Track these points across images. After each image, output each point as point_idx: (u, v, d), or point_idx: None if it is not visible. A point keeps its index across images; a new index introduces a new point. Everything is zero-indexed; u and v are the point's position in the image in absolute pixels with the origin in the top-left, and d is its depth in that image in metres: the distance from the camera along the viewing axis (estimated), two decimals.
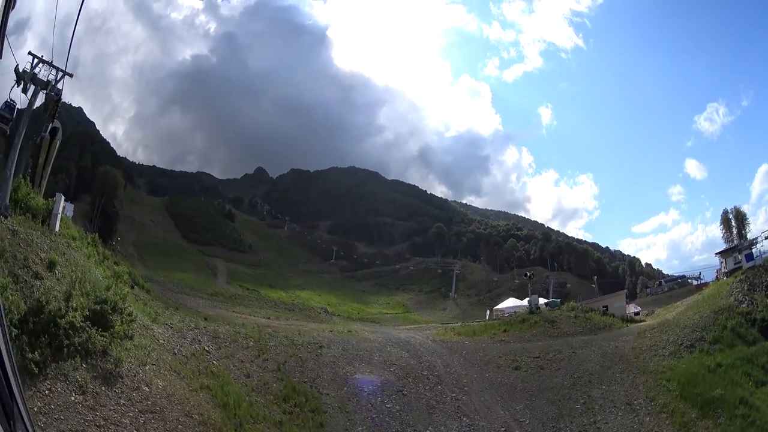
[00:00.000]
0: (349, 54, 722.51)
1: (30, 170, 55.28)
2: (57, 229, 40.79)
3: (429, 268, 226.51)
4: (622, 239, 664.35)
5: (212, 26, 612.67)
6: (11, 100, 43.39)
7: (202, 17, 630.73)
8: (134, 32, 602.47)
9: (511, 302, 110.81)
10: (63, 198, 46.72)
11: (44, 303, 25.62)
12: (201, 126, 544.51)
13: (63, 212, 46.55)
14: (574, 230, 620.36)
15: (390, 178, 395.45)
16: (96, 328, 27.25)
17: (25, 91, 44.65)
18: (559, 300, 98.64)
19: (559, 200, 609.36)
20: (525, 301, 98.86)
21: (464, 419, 46.60)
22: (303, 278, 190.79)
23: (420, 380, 52.20)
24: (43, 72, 50.04)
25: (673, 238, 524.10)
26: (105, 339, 27.47)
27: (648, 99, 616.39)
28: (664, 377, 51.42)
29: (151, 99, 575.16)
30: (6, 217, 34.44)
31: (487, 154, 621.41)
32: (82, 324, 26.45)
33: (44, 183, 58.35)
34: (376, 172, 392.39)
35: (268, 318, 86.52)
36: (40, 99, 48.15)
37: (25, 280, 28.19)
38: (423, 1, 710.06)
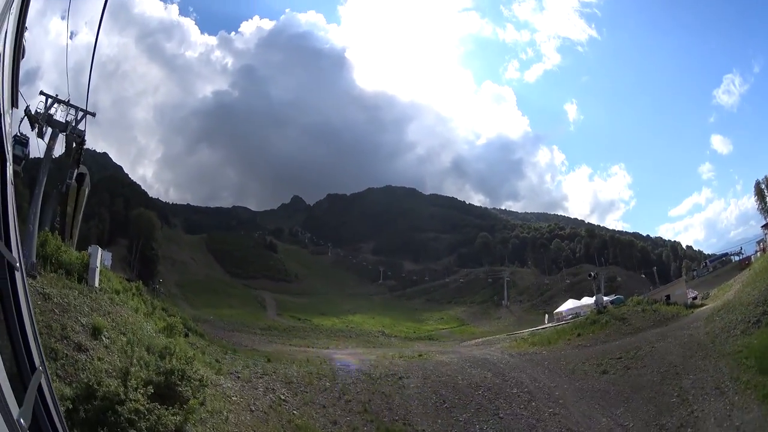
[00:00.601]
0: (370, 74, 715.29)
1: (58, 220, 52.41)
2: (97, 284, 35.90)
3: (478, 278, 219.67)
4: (660, 225, 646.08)
5: (229, 61, 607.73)
6: (21, 134, 36.72)
7: (218, 53, 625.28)
8: (150, 74, 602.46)
9: (570, 304, 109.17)
10: (99, 249, 40.05)
11: (95, 385, 20.97)
12: (231, 161, 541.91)
13: (101, 263, 39.94)
14: (613, 222, 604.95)
15: (427, 192, 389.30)
16: (164, 405, 22.67)
17: (41, 135, 40.16)
18: (622, 296, 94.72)
19: (594, 194, 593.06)
20: (584, 302, 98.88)
21: None
22: (353, 302, 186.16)
23: (512, 399, 49.82)
24: (59, 113, 45.40)
25: (708, 217, 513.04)
26: (177, 417, 22.72)
27: (666, 80, 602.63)
28: (741, 356, 50.32)
29: (177, 138, 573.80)
30: (34, 278, 28.88)
31: (519, 157, 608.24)
32: (147, 405, 21.59)
33: (76, 233, 56.82)
34: (413, 188, 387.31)
35: (328, 348, 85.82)
36: (60, 144, 42.44)
37: (66, 355, 23.45)
38: (436, 13, 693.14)
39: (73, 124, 44.43)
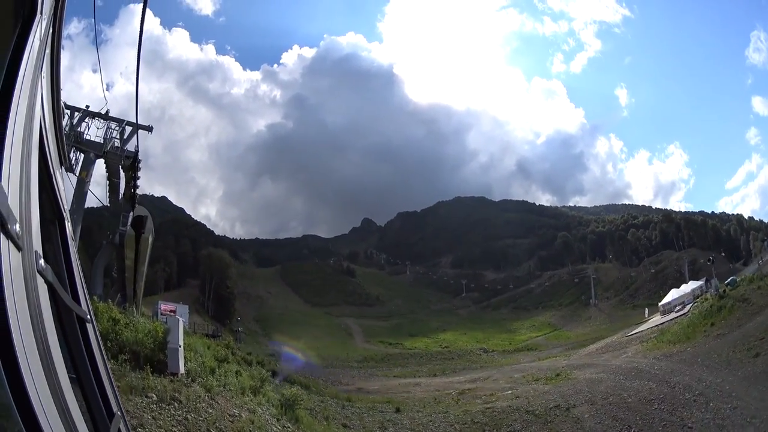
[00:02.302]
0: (421, 86, 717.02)
1: (116, 275, 53.23)
2: (182, 369, 24.07)
3: (562, 279, 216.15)
4: (719, 199, 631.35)
5: (277, 93, 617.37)
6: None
7: (264, 87, 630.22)
8: (199, 116, 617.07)
9: (674, 293, 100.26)
10: (181, 319, 27.78)
11: None
12: (296, 191, 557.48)
13: (183, 331, 27.50)
14: (677, 204, 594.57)
15: (496, 199, 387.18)
16: None
17: (69, 167, 31.77)
18: (735, 277, 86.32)
19: (656, 177, 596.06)
20: (683, 290, 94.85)
21: None
22: (439, 319, 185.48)
23: (689, 406, 42.88)
24: (92, 131, 38.56)
25: (761, 184, 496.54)
26: None
27: (700, 47, 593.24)
28: None
29: (237, 175, 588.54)
30: None
31: (580, 150, 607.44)
32: None
33: (140, 290, 53.15)
34: (482, 196, 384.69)
35: (436, 376, 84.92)
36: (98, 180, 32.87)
37: None
38: (475, 14, 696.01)
39: (116, 143, 35.57)
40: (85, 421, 3.11)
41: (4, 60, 2.36)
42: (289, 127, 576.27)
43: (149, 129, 44.59)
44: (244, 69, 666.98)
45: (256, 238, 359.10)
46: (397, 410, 50.61)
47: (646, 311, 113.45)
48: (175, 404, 18.78)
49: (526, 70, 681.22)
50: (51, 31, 3.44)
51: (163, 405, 18.04)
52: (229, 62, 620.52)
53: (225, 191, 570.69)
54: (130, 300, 55.83)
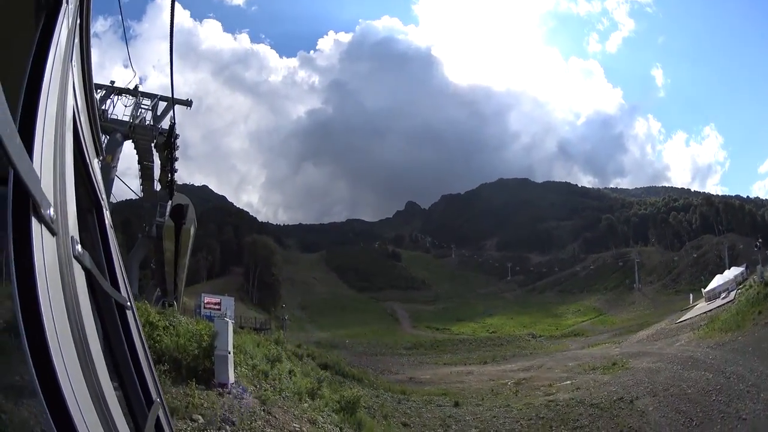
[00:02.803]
0: (460, 68, 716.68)
1: (154, 267, 52.42)
2: (232, 379, 20.85)
3: (606, 263, 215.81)
4: (753, 183, 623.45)
5: (315, 79, 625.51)
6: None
7: (302, 73, 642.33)
8: (237, 104, 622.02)
9: (719, 279, 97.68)
10: (230, 322, 24.59)
11: None
12: (339, 175, 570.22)
13: (232, 333, 23.76)
14: (713, 187, 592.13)
15: (538, 180, 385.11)
16: None
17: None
18: None
19: (693, 160, 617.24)
20: (727, 276, 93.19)
21: None
22: (486, 303, 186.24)
23: (743, 397, 41.90)
24: (119, 109, 35.71)
25: None
26: None
27: (735, 26, 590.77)
28: None
29: (280, 161, 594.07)
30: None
31: (619, 131, 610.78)
32: None
33: (181, 285, 54.72)
34: (525, 178, 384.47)
35: (486, 363, 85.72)
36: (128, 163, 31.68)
37: None
38: None
39: (148, 119, 34.88)
40: (122, 409, 3.18)
41: (31, 48, 2.46)
42: (329, 113, 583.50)
43: (188, 104, 39.87)
44: (281, 56, 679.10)
45: (300, 223, 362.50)
46: (456, 404, 49.11)
47: (691, 297, 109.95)
48: (227, 427, 16.12)
49: (563, 50, 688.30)
50: (78, 21, 3.44)
51: (213, 430, 15.31)
52: (264, 50, 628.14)
53: (267, 178, 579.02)
54: (170, 294, 56.26)
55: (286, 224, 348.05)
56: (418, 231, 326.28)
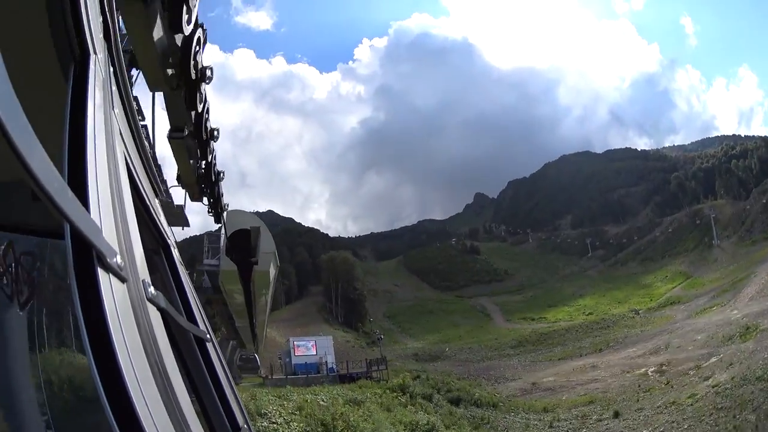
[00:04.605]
0: (499, 52, 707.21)
1: (218, 320, 45.10)
2: None
3: (683, 224, 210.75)
4: None
5: (360, 89, 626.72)
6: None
7: (346, 85, 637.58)
8: (287, 127, 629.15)
9: None
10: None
11: None
12: (403, 179, 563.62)
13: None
14: (758, 128, 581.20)
15: (599, 151, 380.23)
16: None
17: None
18: None
19: (736, 104, 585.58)
20: None
21: None
22: (572, 284, 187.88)
23: None
24: None
25: None
26: None
27: None
28: None
29: (341, 175, 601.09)
30: None
31: (664, 87, 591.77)
32: None
33: (262, 333, 50.96)
34: (586, 150, 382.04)
35: (600, 351, 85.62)
36: None
37: None
38: None
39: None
40: None
41: (65, 103, 2.43)
42: (381, 119, 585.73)
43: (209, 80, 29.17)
44: (321, 72, 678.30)
45: (371, 232, 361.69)
46: (616, 414, 46.03)
47: None
48: None
49: (593, 14, 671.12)
50: (111, 69, 3.43)
51: None
52: (303, 69, 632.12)
53: (331, 192, 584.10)
54: (247, 344, 55.03)
55: (357, 235, 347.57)
56: (490, 221, 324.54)
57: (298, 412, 36.76)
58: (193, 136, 8.11)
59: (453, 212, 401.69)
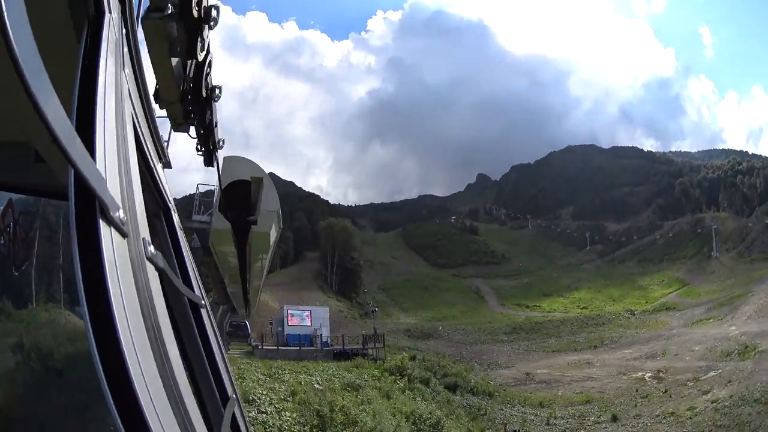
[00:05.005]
0: (514, 37, 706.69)
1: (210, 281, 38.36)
2: None
3: (683, 230, 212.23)
4: None
5: (371, 59, 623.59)
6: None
7: (357, 54, 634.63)
8: (295, 91, 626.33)
9: None
10: None
11: None
12: (408, 152, 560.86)
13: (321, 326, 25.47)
14: (767, 148, 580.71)
15: (604, 146, 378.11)
16: None
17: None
18: None
19: (746, 121, 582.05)
20: None
21: None
22: (568, 276, 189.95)
23: None
24: None
25: None
26: None
27: None
28: None
29: (346, 143, 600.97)
30: None
31: (676, 93, 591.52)
32: None
33: (255, 299, 47.95)
34: (592, 144, 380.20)
35: (595, 348, 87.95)
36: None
37: None
38: None
39: None
40: (198, 405, 3.24)
41: (77, 60, 2.48)
42: (390, 91, 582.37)
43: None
44: (333, 40, 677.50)
45: (371, 203, 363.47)
46: (614, 418, 46.55)
47: None
48: None
49: (611, 11, 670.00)
50: (124, 31, 3.46)
51: None
52: (315, 36, 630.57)
53: (335, 159, 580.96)
54: (239, 309, 53.36)
55: (357, 204, 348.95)
56: (491, 203, 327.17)
57: (290, 398, 35.78)
58: (180, 17, 5.42)
59: (454, 190, 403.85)
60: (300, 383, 40.33)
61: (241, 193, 20.88)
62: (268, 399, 33.60)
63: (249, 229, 22.06)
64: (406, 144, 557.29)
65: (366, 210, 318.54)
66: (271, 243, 26.51)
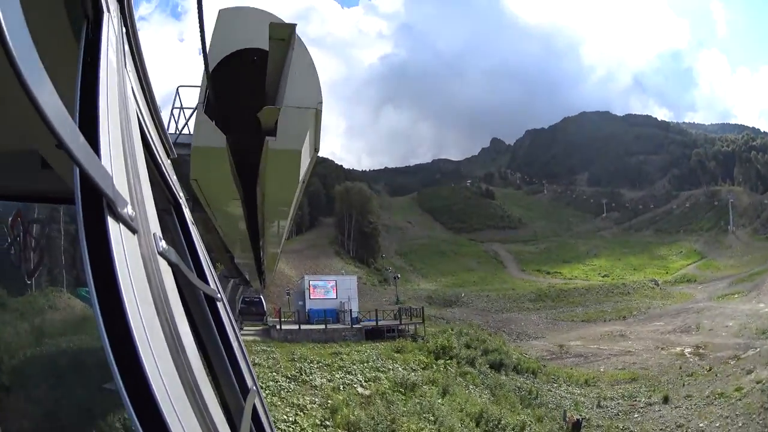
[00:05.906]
0: (527, 4, 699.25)
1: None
2: None
3: (700, 202, 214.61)
4: None
5: (382, 25, 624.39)
6: None
7: (367, 21, 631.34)
8: None
9: None
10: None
11: None
12: (421, 116, 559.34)
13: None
14: None
15: (618, 114, 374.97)
16: None
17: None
18: None
19: (758, 96, 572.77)
20: None
21: None
22: (586, 242, 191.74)
23: None
24: None
25: None
26: None
27: None
28: None
29: (358, 108, 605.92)
30: None
31: (689, 65, 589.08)
32: None
33: (272, 268, 38.60)
34: (606, 111, 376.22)
35: (624, 318, 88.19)
36: None
37: None
38: None
39: None
40: (217, 399, 3.28)
41: (77, 59, 2.45)
42: (402, 56, 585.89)
43: None
44: (343, 7, 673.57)
45: (386, 167, 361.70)
46: (665, 400, 45.45)
47: None
48: None
49: None
50: (123, 29, 3.44)
51: None
52: (323, 3, 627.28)
53: (347, 125, 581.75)
54: (252, 282, 47.83)
55: (371, 169, 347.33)
56: (506, 167, 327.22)
57: (330, 420, 29.99)
58: None
59: (468, 154, 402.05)
60: (338, 388, 35.42)
61: (248, 74, 13.01)
62: (297, 427, 28.32)
63: (262, 148, 12.24)
64: (418, 108, 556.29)
65: (380, 175, 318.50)
66: (300, 176, 13.60)
